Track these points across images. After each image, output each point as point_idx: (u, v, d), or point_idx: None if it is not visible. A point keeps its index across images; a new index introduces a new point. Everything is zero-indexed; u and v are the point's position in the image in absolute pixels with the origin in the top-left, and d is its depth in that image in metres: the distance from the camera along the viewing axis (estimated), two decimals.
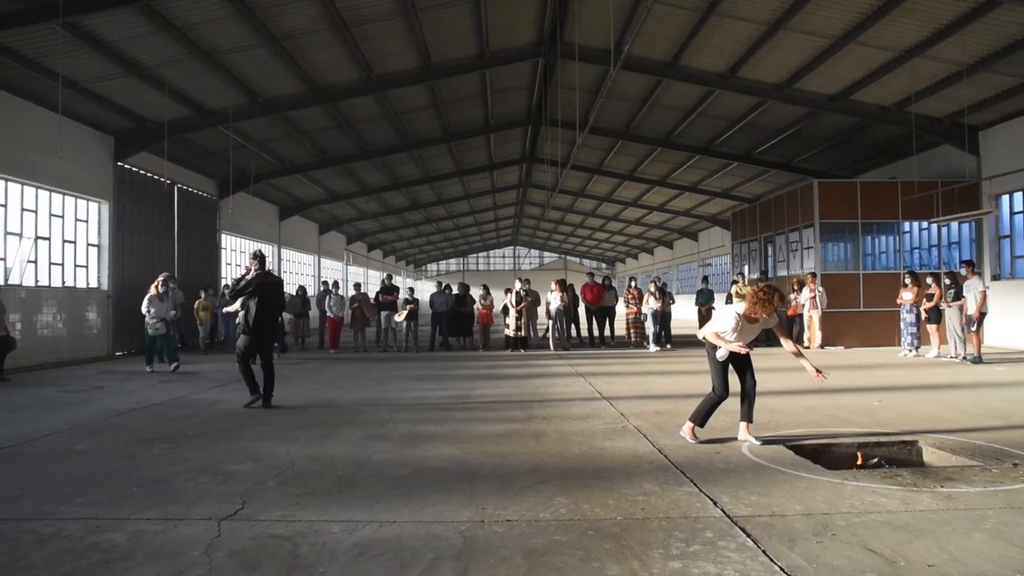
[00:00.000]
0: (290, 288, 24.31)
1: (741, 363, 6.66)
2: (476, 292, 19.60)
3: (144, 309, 13.44)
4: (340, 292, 19.61)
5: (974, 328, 13.25)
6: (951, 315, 13.98)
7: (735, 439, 6.49)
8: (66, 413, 8.57)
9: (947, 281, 14.21)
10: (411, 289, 20.00)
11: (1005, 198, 16.82)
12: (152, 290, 13.58)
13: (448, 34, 15.88)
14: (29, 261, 14.63)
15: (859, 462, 6.02)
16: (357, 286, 20.43)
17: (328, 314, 18.90)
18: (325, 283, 20.82)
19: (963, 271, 13.76)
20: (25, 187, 14.57)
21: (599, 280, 19.94)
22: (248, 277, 9.02)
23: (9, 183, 14.14)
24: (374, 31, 14.77)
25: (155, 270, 18.46)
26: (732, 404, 8.58)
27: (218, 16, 12.73)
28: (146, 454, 6.24)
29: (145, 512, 4.50)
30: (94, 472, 5.60)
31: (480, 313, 18.92)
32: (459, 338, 19.52)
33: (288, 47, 14.52)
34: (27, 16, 11.29)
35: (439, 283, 20.15)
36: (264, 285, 9.11)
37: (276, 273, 11.76)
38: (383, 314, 18.50)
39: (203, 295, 17.88)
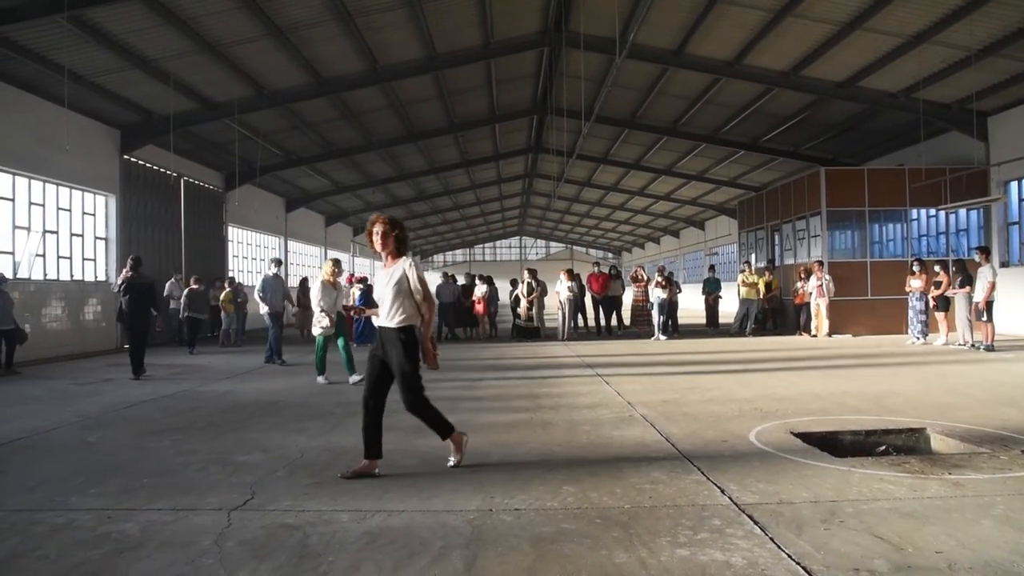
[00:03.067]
0: (293, 280, 24.43)
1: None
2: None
3: (315, 303, 10.30)
4: (343, 283, 19.24)
5: (984, 318, 13.18)
6: (961, 302, 13.90)
7: (742, 428, 6.47)
8: (77, 405, 8.63)
9: (954, 268, 14.12)
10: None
11: (1014, 184, 16.71)
12: (326, 276, 10.44)
13: (452, 24, 15.84)
14: (37, 255, 14.70)
15: (867, 450, 6.02)
16: (363, 279, 20.41)
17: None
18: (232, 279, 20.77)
19: (976, 258, 13.67)
20: (33, 181, 14.62)
21: (605, 269, 19.92)
22: (120, 278, 11.45)
23: (17, 177, 14.20)
24: (378, 22, 14.75)
25: (163, 263, 18.62)
26: (740, 392, 8.62)
27: (223, 8, 12.74)
28: (156, 445, 6.29)
29: (156, 503, 4.53)
30: (105, 463, 5.65)
31: (474, 305, 18.85)
32: (466, 329, 19.55)
33: (293, 39, 14.52)
34: (32, 10, 11.32)
35: (445, 274, 20.17)
36: (134, 285, 11.28)
37: (281, 264, 11.82)
38: None
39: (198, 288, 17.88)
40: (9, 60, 12.84)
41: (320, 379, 10.35)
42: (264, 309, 12.79)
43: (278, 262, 13.69)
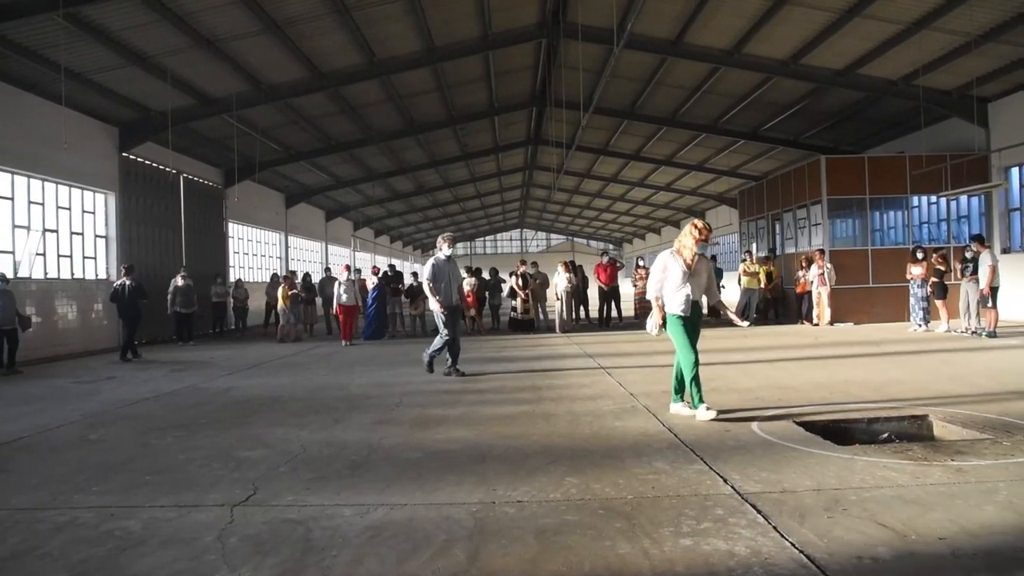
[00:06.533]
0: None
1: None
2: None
3: (672, 290, 6.64)
4: (351, 276, 17.27)
5: (989, 304, 13.14)
6: (968, 289, 13.83)
7: (745, 418, 6.46)
8: (79, 403, 8.64)
9: (968, 255, 14.03)
10: (414, 274, 19.94)
11: (1015, 170, 16.65)
12: (683, 243, 6.68)
13: (450, 16, 15.77)
14: (38, 254, 14.69)
15: (869, 437, 6.01)
16: (376, 271, 20.33)
17: (337, 302, 16.51)
18: (328, 270, 20.74)
19: (974, 247, 13.63)
20: (32, 180, 14.59)
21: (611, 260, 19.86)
22: (119, 282, 14.34)
23: (16, 176, 14.17)
24: (376, 15, 14.69)
25: (163, 260, 18.63)
26: (743, 381, 8.61)
27: (219, 3, 12.68)
28: (159, 442, 6.29)
29: (159, 499, 4.54)
30: (108, 461, 5.65)
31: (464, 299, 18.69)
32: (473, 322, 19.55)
33: (290, 33, 14.45)
34: (27, 7, 11.28)
35: None
36: (134, 287, 14.21)
37: (455, 243, 10.15)
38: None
39: (216, 284, 17.88)
40: (5, 58, 12.79)
41: (703, 413, 6.39)
42: (435, 304, 10.02)
43: (453, 240, 10.59)
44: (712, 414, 6.32)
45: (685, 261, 6.51)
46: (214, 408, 8.09)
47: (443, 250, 10.22)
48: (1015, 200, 16.80)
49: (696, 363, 6.48)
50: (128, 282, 14.28)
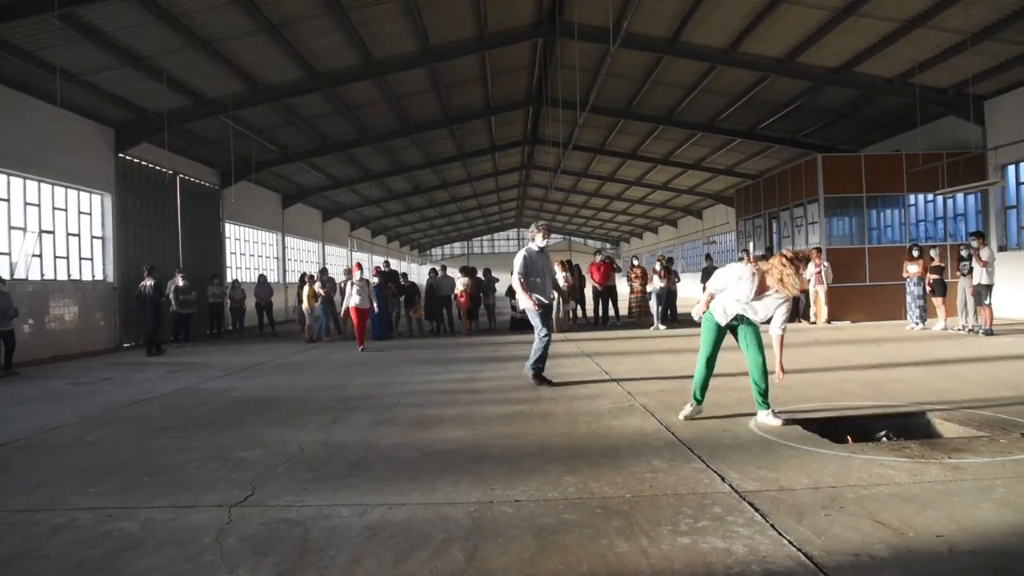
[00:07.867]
0: (292, 276, 24.36)
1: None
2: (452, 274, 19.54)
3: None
4: (366, 276, 16.03)
5: (987, 301, 13.15)
6: (966, 287, 13.86)
7: (742, 416, 6.46)
8: (76, 405, 8.62)
9: (964, 254, 14.05)
10: (404, 275, 19.84)
11: (1011, 168, 16.69)
12: None
13: (446, 15, 15.77)
14: (34, 255, 14.66)
15: (867, 435, 6.01)
16: (348, 271, 20.26)
17: (349, 303, 14.87)
18: (324, 270, 20.70)
19: (974, 243, 13.65)
20: (28, 181, 14.56)
21: (606, 259, 19.87)
22: (150, 282, 15.40)
23: (11, 177, 14.14)
24: (372, 14, 14.68)
25: (160, 261, 18.60)
26: (740, 380, 8.60)
27: (215, 4, 12.66)
28: (156, 443, 6.28)
29: (156, 500, 4.53)
30: (105, 462, 5.64)
31: (457, 298, 18.72)
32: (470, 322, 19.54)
33: (286, 33, 14.45)
34: (22, 8, 11.25)
35: (443, 267, 20.15)
36: (155, 286, 15.43)
37: (548, 234, 9.25)
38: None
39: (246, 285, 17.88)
40: (0, 60, 12.76)
41: (687, 410, 6.52)
42: (528, 302, 8.95)
43: (548, 230, 9.38)
44: (681, 417, 6.39)
45: (761, 284, 5.99)
46: (211, 409, 8.08)
47: (536, 240, 9.06)
48: (1011, 198, 16.84)
49: (707, 368, 6.42)
50: (150, 283, 15.31)
